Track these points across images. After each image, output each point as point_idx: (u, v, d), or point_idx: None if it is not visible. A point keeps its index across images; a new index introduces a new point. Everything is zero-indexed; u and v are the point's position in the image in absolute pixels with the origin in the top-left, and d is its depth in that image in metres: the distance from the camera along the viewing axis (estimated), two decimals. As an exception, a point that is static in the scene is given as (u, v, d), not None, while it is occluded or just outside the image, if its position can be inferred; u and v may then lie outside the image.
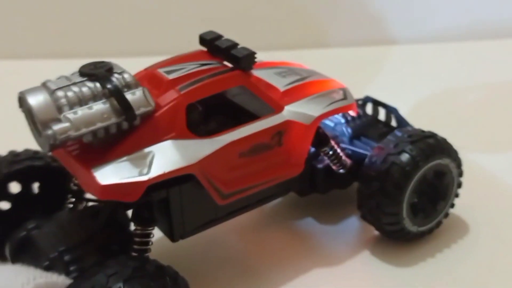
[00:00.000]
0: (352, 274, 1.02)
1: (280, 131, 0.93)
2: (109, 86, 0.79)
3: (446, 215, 1.08)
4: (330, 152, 1.02)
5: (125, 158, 0.81)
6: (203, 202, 0.90)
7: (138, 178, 0.80)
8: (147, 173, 0.81)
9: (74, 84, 0.80)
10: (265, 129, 0.92)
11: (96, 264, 0.79)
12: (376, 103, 1.19)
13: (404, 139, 1.00)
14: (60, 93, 0.78)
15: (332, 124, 1.14)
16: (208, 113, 0.94)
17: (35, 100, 0.78)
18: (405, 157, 0.98)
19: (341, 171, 1.05)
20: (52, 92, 0.78)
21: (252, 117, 0.93)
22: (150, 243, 0.87)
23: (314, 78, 1.04)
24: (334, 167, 1.04)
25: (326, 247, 1.08)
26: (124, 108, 0.79)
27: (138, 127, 0.83)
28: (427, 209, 1.04)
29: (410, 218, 1.02)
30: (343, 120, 1.13)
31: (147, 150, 0.83)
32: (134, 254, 0.86)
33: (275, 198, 1.03)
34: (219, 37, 0.95)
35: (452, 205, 1.08)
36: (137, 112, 0.81)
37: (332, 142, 1.03)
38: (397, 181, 0.98)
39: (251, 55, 0.90)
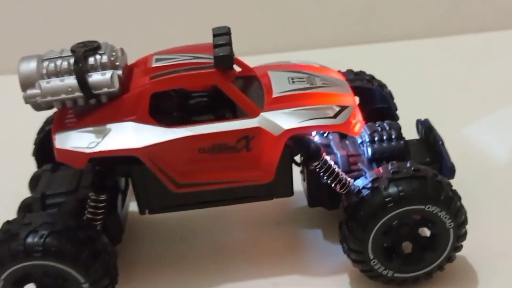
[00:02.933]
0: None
1: (248, 136, 0.93)
2: (75, 64, 0.90)
3: (440, 267, 0.95)
4: (324, 167, 0.98)
5: (86, 128, 0.92)
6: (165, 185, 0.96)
7: (84, 149, 0.90)
8: (94, 146, 0.91)
9: (61, 57, 0.92)
10: (230, 131, 0.93)
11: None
12: (427, 129, 1.08)
13: (387, 174, 0.91)
14: (45, 63, 0.91)
15: (359, 140, 1.07)
16: (195, 100, 0.98)
17: (24, 66, 0.92)
18: (376, 194, 0.90)
19: (342, 192, 1.00)
20: (40, 61, 0.92)
21: (228, 116, 0.95)
22: (100, 211, 0.96)
23: (324, 90, 0.99)
24: (334, 187, 0.99)
25: (313, 261, 1.05)
26: (80, 86, 0.89)
27: (106, 105, 0.92)
28: (408, 257, 0.94)
29: (382, 261, 0.93)
30: (367, 139, 1.05)
31: (108, 126, 0.92)
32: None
33: (254, 200, 1.03)
34: (223, 33, 0.97)
35: (450, 259, 0.95)
36: (100, 91, 0.90)
37: (328, 158, 0.98)
38: (362, 219, 0.90)
39: (226, 57, 0.91)
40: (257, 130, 0.93)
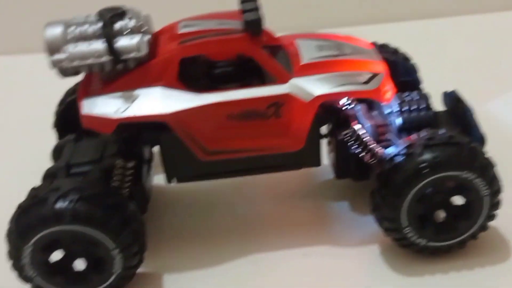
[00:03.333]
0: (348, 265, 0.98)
1: (277, 103, 0.92)
2: (104, 28, 0.88)
3: (474, 236, 0.93)
4: (353, 136, 0.96)
5: (114, 94, 0.91)
6: (194, 154, 0.95)
7: (111, 115, 0.89)
8: (123, 112, 0.89)
9: (87, 22, 0.91)
10: (260, 97, 0.91)
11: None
12: (455, 100, 1.06)
13: (422, 141, 0.89)
14: (71, 28, 0.90)
15: (388, 110, 1.05)
16: (221, 70, 0.96)
17: (50, 31, 0.91)
18: (411, 160, 0.88)
19: (371, 162, 0.98)
20: (67, 26, 0.90)
21: (258, 83, 0.93)
22: (127, 179, 0.94)
23: (354, 57, 0.97)
24: (363, 158, 0.97)
25: (341, 232, 1.03)
26: (109, 51, 0.88)
27: (134, 70, 0.91)
28: (442, 225, 0.92)
29: (415, 229, 0.91)
30: (396, 109, 1.03)
31: (136, 92, 0.91)
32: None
33: (282, 170, 1.01)
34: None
35: (483, 228, 0.93)
36: (128, 56, 0.89)
37: (358, 127, 0.96)
38: (396, 185, 0.88)
39: (257, 21, 0.90)
40: (287, 96, 0.91)
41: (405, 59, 1.15)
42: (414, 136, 0.92)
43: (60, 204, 0.85)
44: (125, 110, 0.89)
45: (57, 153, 1.07)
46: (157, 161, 1.08)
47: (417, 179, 0.87)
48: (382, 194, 0.90)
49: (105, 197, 0.88)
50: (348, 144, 0.97)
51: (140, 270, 0.95)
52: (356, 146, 0.97)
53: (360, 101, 1.09)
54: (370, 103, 1.11)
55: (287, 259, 1.00)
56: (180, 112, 0.89)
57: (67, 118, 1.15)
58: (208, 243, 1.04)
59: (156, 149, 1.06)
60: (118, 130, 0.91)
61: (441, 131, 0.91)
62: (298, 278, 0.97)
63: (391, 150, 0.92)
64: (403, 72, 1.13)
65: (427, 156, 0.87)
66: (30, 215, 0.86)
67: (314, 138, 0.97)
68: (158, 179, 1.13)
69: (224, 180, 1.13)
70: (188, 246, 1.04)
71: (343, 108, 0.96)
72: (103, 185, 0.92)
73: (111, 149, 1.02)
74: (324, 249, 1.01)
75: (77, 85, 1.15)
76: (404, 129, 1.01)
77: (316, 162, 1.00)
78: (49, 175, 1.00)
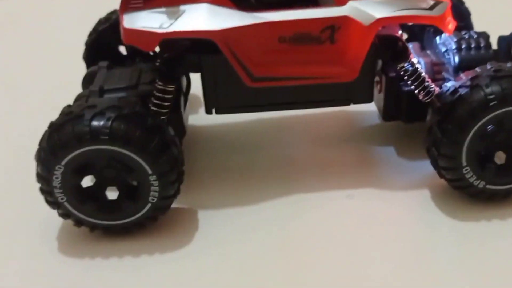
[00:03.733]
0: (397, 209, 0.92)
1: (333, 26, 0.85)
2: None
3: (535, 182, 0.87)
4: (409, 70, 0.89)
5: (158, 9, 0.84)
6: (237, 80, 0.88)
7: (155, 29, 0.82)
8: (167, 27, 0.82)
9: None
10: (315, 19, 0.84)
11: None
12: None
13: (488, 72, 0.83)
14: None
15: (443, 49, 0.99)
16: None
17: None
18: (476, 92, 0.81)
19: (426, 100, 0.91)
20: None
21: (311, 3, 0.86)
22: (166, 103, 0.88)
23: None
24: (418, 95, 0.91)
25: (387, 176, 0.97)
26: None
27: None
28: (503, 167, 0.86)
29: (474, 169, 0.85)
30: (454, 47, 0.96)
31: (182, 7, 0.84)
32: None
33: (330, 104, 0.95)
34: None
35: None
36: None
37: (414, 60, 0.89)
38: (459, 119, 0.82)
39: None
40: (344, 19, 0.84)
41: (460, 1, 1.09)
42: (479, 69, 0.85)
43: (97, 122, 0.79)
44: (170, 25, 0.82)
45: (88, 80, 1.00)
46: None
47: (483, 112, 0.81)
48: (442, 129, 0.84)
49: (145, 118, 0.82)
50: (404, 79, 0.91)
51: (174, 204, 0.89)
52: (412, 81, 0.90)
53: (414, 38, 1.03)
54: (422, 43, 1.04)
55: (329, 200, 0.94)
56: (230, 29, 0.83)
57: (98, 48, 1.09)
58: (246, 182, 0.98)
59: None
60: (160, 48, 0.84)
61: (509, 64, 0.85)
62: (341, 220, 0.91)
63: (452, 83, 0.86)
64: (456, 16, 1.06)
65: (495, 88, 0.81)
66: (64, 132, 0.79)
67: (368, 70, 0.90)
68: (192, 119, 1.07)
69: (264, 120, 1.08)
70: (224, 185, 0.98)
71: (400, 40, 0.89)
72: (142, 106, 0.85)
73: (147, 77, 0.95)
74: (370, 192, 0.95)
75: (110, 13, 1.10)
76: (461, 68, 0.95)
77: (368, 98, 0.94)
78: (80, 99, 0.93)
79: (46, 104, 1.11)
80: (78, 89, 1.00)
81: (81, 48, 1.09)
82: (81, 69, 1.07)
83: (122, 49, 1.10)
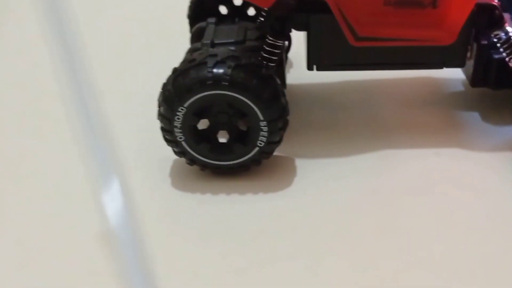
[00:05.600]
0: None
1: (437, -8, 0.91)
2: None
3: None
4: (503, 38, 0.95)
5: (275, -30, 0.91)
6: (341, 39, 0.95)
7: (273, -13, 0.90)
8: (283, -14, 0.90)
9: None
10: (419, -16, 0.90)
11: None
12: None
13: None
14: None
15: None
16: None
17: None
18: None
19: (517, 67, 0.97)
20: None
21: None
22: (275, 58, 0.95)
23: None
24: (509, 62, 0.96)
25: (473, 138, 1.03)
26: None
27: None
28: None
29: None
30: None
31: None
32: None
33: (424, 67, 1.01)
34: None
35: None
36: None
37: (509, 29, 0.95)
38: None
39: None
40: (449, -14, 0.90)
41: None
42: None
43: (219, 69, 0.88)
44: (286, -16, 0.90)
45: (197, 35, 1.09)
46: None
47: None
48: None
49: (260, 69, 0.90)
50: (496, 47, 0.96)
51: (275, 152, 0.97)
52: (504, 48, 0.95)
53: (506, 10, 1.07)
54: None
55: (417, 157, 1.00)
56: (340, -10, 0.90)
57: (202, 8, 1.17)
58: (337, 136, 1.06)
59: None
60: (274, 6, 0.92)
61: None
62: (428, 175, 0.97)
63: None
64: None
65: None
66: (188, 77, 0.88)
67: (465, 35, 0.96)
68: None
69: (355, 82, 1.14)
70: (318, 138, 1.05)
71: (498, 8, 0.94)
72: (257, 58, 0.93)
73: (253, 34, 1.03)
74: (456, 151, 1.01)
75: None
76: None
77: (462, 62, 1.00)
78: (192, 51, 1.02)
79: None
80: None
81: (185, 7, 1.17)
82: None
83: (222, 9, 1.18)
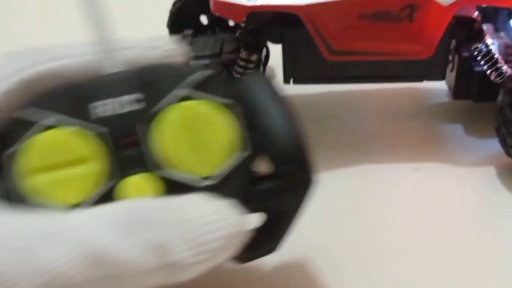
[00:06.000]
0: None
1: (413, 5, 0.89)
2: None
3: None
4: (483, 51, 0.93)
5: (247, -18, 0.89)
6: (317, 53, 0.93)
7: (244, 2, 0.88)
8: (255, 1, 0.88)
9: None
10: (395, -2, 0.88)
11: None
12: None
13: None
14: None
15: (521, 32, 1.01)
16: None
17: None
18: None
19: (498, 80, 0.94)
20: None
21: None
22: (249, 71, 0.94)
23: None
24: (490, 75, 0.94)
25: (454, 152, 1.01)
26: None
27: None
28: None
29: (542, 149, 0.88)
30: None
31: None
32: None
33: (403, 80, 1.00)
34: None
35: None
36: None
37: (489, 41, 0.93)
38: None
39: None
40: (423, -2, 0.88)
41: None
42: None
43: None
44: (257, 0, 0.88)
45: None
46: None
47: (555, 94, 0.84)
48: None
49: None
50: (477, 59, 0.94)
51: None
52: (485, 61, 0.93)
53: (487, 20, 1.05)
54: (496, 25, 1.07)
55: (396, 172, 0.98)
56: (314, 5, 0.88)
57: (182, 17, 1.15)
58: (316, 149, 1.03)
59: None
60: (247, 20, 0.90)
61: None
62: (408, 191, 0.95)
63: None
64: None
65: None
66: None
67: (443, 48, 0.94)
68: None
69: (332, 94, 1.12)
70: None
71: (477, 21, 0.92)
72: (227, 75, 0.91)
73: (229, 47, 1.01)
74: (437, 166, 0.98)
75: None
76: (536, 52, 0.97)
77: (441, 75, 0.98)
78: None
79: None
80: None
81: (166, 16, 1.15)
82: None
83: (203, 19, 1.17)
